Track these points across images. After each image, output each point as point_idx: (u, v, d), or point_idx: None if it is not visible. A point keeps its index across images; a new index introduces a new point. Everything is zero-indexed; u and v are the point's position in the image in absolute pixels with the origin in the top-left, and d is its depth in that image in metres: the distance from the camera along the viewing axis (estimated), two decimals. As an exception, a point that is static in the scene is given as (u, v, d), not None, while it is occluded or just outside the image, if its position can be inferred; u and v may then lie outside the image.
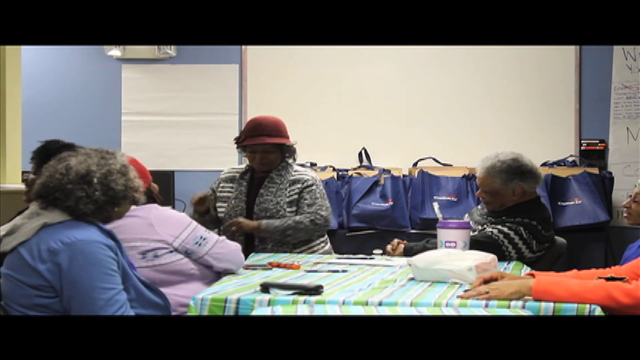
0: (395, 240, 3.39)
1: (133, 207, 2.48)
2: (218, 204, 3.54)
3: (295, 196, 3.46)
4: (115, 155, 2.22)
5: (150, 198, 2.71)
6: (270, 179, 3.47)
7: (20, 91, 4.56)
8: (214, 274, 2.67)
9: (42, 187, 2.12)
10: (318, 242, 3.55)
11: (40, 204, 2.14)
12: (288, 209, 3.44)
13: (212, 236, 2.67)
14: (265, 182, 3.47)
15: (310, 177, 3.51)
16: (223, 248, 2.67)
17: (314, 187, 3.49)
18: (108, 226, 2.28)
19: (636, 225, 3.36)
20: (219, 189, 3.57)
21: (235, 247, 2.74)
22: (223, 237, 2.72)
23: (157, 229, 2.53)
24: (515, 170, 3.30)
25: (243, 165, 3.64)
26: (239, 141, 3.50)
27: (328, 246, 3.64)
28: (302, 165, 4.63)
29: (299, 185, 3.46)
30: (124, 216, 2.41)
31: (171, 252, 2.55)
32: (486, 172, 3.34)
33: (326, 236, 3.63)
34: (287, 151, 3.49)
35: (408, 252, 3.21)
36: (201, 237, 2.61)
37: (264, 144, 3.41)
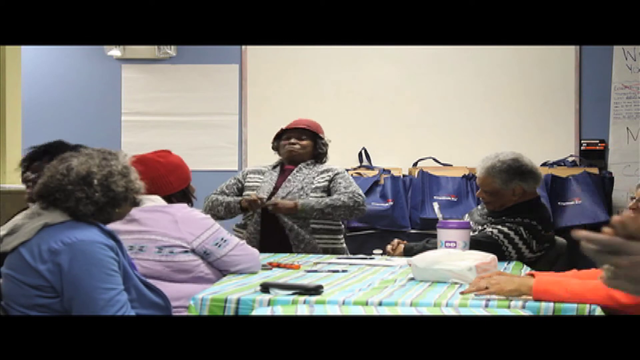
0: (396, 240, 3.39)
1: (165, 202, 2.68)
2: (246, 193, 3.64)
3: (325, 183, 3.59)
4: (117, 156, 2.22)
5: (185, 197, 2.84)
6: (299, 169, 3.63)
7: (20, 91, 4.56)
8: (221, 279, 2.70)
9: (43, 187, 2.13)
10: (341, 239, 3.69)
11: (40, 204, 2.14)
12: (312, 194, 3.54)
13: (233, 239, 2.72)
14: (294, 171, 3.63)
15: (339, 167, 3.71)
16: (242, 251, 2.72)
17: (345, 174, 3.67)
18: (139, 215, 2.32)
19: None
20: (247, 179, 3.69)
21: (254, 250, 2.80)
22: (243, 241, 2.77)
23: (180, 227, 2.60)
24: (515, 171, 3.30)
25: (270, 163, 3.74)
26: (277, 136, 3.71)
27: (344, 245, 3.72)
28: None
29: (329, 173, 3.62)
30: (153, 210, 2.58)
31: (186, 252, 2.59)
32: (486, 172, 3.34)
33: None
34: (320, 146, 3.68)
35: (408, 252, 3.21)
36: (222, 239, 2.67)
37: (300, 128, 3.64)
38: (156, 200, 2.68)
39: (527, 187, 3.32)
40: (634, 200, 3.11)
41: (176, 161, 2.88)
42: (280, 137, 3.71)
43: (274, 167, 3.70)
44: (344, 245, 3.71)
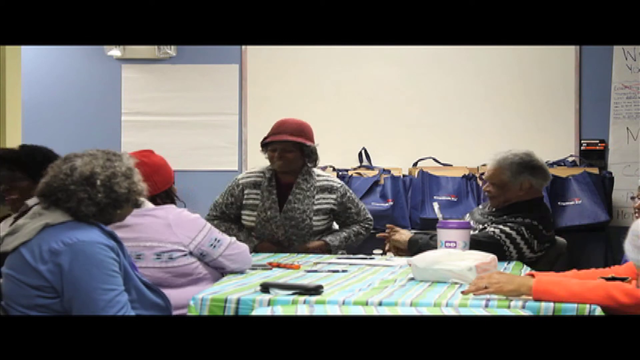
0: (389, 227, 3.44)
1: (152, 206, 2.62)
2: (246, 212, 3.54)
3: (328, 206, 3.53)
4: (121, 157, 2.21)
5: (168, 197, 2.81)
6: (297, 184, 3.49)
7: (20, 91, 4.55)
8: (220, 277, 2.70)
9: (46, 187, 2.12)
10: None
11: (42, 204, 2.14)
12: (315, 217, 3.48)
13: (225, 238, 2.72)
14: (293, 189, 3.49)
15: (338, 182, 3.59)
16: (235, 249, 2.73)
17: (348, 193, 3.60)
18: (127, 222, 2.31)
19: None
20: (245, 197, 3.54)
21: (245, 247, 2.79)
22: (234, 239, 2.76)
23: (175, 230, 2.58)
24: (526, 164, 3.33)
25: (259, 169, 3.62)
26: (263, 141, 3.54)
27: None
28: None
29: (333, 196, 3.53)
30: (143, 214, 2.54)
31: (185, 255, 2.58)
32: (497, 163, 3.37)
33: None
34: (308, 153, 3.50)
35: (413, 245, 3.23)
36: (216, 239, 2.66)
37: (283, 141, 3.44)
38: (144, 203, 2.65)
39: (535, 183, 3.34)
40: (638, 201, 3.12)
41: (160, 161, 2.86)
42: (267, 144, 3.53)
43: (270, 179, 3.52)
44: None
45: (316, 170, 3.60)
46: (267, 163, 3.62)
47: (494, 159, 3.41)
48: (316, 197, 3.50)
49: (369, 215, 3.68)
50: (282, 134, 3.46)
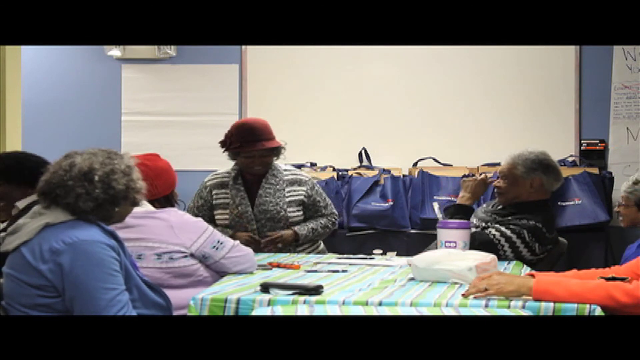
0: None
1: (154, 209, 2.64)
2: (218, 211, 3.52)
3: (300, 197, 3.51)
4: (122, 156, 2.22)
5: (168, 202, 2.82)
6: (266, 179, 3.49)
7: (20, 91, 4.55)
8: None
9: (45, 184, 2.13)
10: (319, 243, 3.66)
11: (42, 203, 2.14)
12: (289, 209, 3.47)
13: (228, 240, 2.73)
14: (262, 184, 3.48)
15: (305, 176, 3.60)
16: (238, 252, 2.73)
17: (316, 187, 3.61)
18: (129, 223, 2.31)
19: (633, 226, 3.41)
20: (214, 197, 3.53)
21: (249, 250, 2.80)
22: (237, 242, 2.77)
23: (177, 233, 2.60)
24: (540, 161, 3.36)
25: (225, 170, 3.59)
26: (228, 146, 3.46)
27: (322, 246, 3.70)
28: (302, 166, 4.68)
29: (303, 188, 3.53)
30: (145, 216, 2.56)
31: (186, 256, 2.59)
32: (512, 159, 3.42)
33: None
34: (279, 152, 3.52)
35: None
36: (218, 242, 2.68)
37: (264, 149, 3.42)
38: (144, 205, 2.66)
39: (546, 182, 3.36)
40: (620, 205, 3.16)
41: (163, 166, 2.85)
42: (231, 146, 3.45)
43: (235, 177, 3.51)
44: (323, 246, 3.71)
45: (282, 165, 3.60)
46: (224, 168, 3.58)
47: (509, 155, 3.45)
48: (286, 189, 3.51)
49: (335, 210, 3.66)
50: (260, 142, 3.41)
